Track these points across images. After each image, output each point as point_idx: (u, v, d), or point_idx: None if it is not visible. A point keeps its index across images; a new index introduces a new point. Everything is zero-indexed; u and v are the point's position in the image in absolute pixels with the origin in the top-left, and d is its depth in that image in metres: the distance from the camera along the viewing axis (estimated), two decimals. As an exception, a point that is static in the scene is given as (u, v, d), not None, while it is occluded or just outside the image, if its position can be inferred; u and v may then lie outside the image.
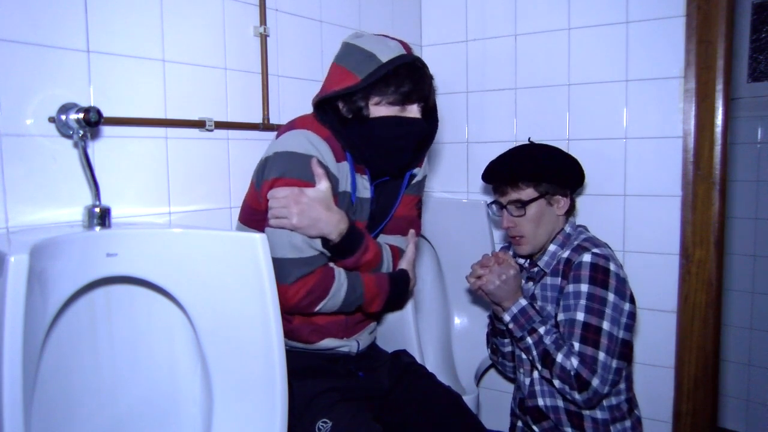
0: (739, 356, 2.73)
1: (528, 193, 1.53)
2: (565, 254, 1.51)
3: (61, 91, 1.09)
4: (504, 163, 1.60)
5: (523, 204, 1.53)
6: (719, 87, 1.63)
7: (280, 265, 1.16)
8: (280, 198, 1.19)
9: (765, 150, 2.62)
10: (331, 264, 1.28)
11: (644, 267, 1.74)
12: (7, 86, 1.02)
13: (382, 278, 1.33)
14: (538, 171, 1.53)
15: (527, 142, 1.70)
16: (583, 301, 1.42)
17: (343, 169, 1.28)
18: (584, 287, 1.44)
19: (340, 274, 1.26)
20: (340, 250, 1.25)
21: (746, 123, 2.64)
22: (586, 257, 1.46)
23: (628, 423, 1.52)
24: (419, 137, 1.33)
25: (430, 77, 1.32)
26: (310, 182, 1.20)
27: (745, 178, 2.66)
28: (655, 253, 1.76)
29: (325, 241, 1.23)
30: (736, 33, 2.41)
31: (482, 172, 1.65)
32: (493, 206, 1.62)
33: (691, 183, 1.68)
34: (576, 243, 1.52)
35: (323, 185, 1.20)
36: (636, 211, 1.78)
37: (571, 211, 1.61)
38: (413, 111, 1.28)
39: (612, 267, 1.45)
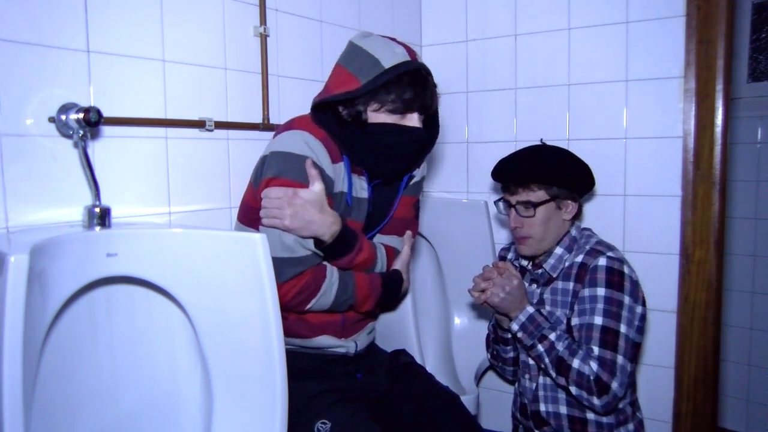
0: (739, 356, 2.73)
1: (539, 195, 1.52)
2: (578, 258, 1.51)
3: (61, 91, 1.09)
4: (516, 162, 1.59)
5: (533, 206, 1.52)
6: (719, 87, 1.63)
7: None
8: (273, 198, 1.20)
9: (765, 150, 2.62)
10: (325, 262, 1.28)
11: (644, 267, 1.73)
12: (7, 86, 1.02)
13: (375, 279, 1.34)
14: (550, 174, 1.52)
15: (539, 143, 1.69)
16: (600, 305, 1.42)
17: (338, 171, 1.28)
18: (601, 291, 1.43)
19: (332, 273, 1.26)
20: (333, 251, 1.25)
21: (746, 123, 2.64)
22: (602, 261, 1.46)
23: (631, 426, 1.52)
24: (417, 147, 1.32)
25: (434, 85, 1.30)
26: (305, 183, 1.21)
27: (745, 178, 2.66)
28: (655, 253, 1.76)
29: (318, 242, 1.23)
30: (736, 33, 2.41)
31: (492, 169, 1.63)
32: (501, 204, 1.61)
33: (691, 183, 1.68)
34: (588, 247, 1.52)
35: (317, 187, 1.21)
36: (636, 211, 1.78)
37: (578, 216, 1.61)
38: (413, 119, 1.27)
39: (626, 270, 1.46)
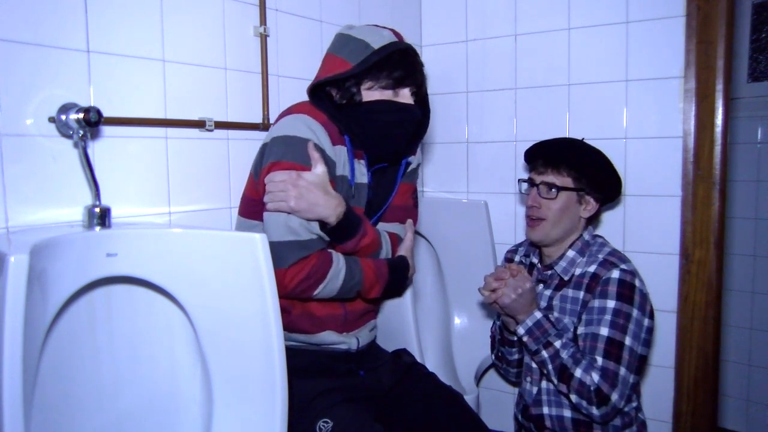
0: (739, 356, 2.73)
1: (565, 180, 1.54)
2: (591, 268, 1.50)
3: (61, 91, 1.09)
4: (554, 144, 1.62)
5: (556, 188, 1.53)
6: (719, 87, 1.63)
7: (276, 249, 1.16)
8: (277, 182, 1.20)
9: (765, 150, 2.62)
10: (330, 249, 1.28)
11: (644, 267, 1.73)
12: (7, 86, 1.02)
13: (382, 264, 1.34)
14: (583, 164, 1.55)
15: (581, 139, 1.70)
16: (608, 317, 1.42)
17: (340, 154, 1.29)
18: (611, 303, 1.43)
19: (339, 259, 1.26)
20: (338, 233, 1.25)
21: (746, 123, 2.64)
22: (615, 273, 1.46)
23: (634, 428, 1.52)
24: (413, 123, 1.34)
25: (422, 64, 1.34)
26: (307, 166, 1.21)
27: (745, 178, 2.66)
28: (655, 253, 1.76)
29: (323, 225, 1.23)
30: (736, 33, 2.41)
31: (526, 149, 1.65)
32: (524, 184, 1.63)
33: (691, 183, 1.68)
34: (601, 257, 1.51)
35: (320, 169, 1.21)
36: (636, 211, 1.78)
37: (592, 220, 1.62)
38: (405, 96, 1.31)
39: (637, 283, 1.47)
